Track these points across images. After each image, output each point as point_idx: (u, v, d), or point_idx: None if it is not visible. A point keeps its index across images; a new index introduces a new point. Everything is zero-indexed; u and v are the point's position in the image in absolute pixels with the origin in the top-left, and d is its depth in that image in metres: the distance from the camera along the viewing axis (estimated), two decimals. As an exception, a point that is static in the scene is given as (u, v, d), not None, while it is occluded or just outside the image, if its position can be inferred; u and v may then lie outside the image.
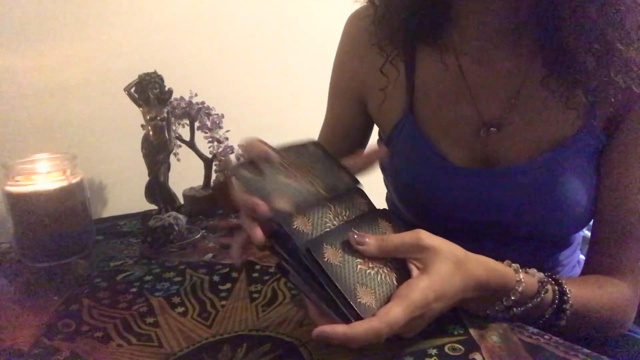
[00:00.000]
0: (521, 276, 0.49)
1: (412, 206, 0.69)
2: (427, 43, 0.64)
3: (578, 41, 0.52)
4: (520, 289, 0.48)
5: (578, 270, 0.73)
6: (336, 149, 0.74)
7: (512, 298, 0.48)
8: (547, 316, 0.51)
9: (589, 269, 0.61)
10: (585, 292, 0.54)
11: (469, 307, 0.50)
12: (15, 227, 0.70)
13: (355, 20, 0.72)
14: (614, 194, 0.59)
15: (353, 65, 0.72)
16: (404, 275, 0.45)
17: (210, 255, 0.73)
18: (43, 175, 0.71)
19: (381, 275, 0.44)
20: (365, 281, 0.43)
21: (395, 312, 0.40)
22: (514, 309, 0.49)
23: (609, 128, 0.59)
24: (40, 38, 0.93)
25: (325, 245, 0.43)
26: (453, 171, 0.63)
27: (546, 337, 0.48)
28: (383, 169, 0.74)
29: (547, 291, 0.50)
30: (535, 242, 0.65)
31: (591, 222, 0.63)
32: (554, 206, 0.59)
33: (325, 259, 0.42)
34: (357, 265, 0.43)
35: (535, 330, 0.49)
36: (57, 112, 0.96)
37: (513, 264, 0.50)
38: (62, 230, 0.70)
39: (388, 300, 0.42)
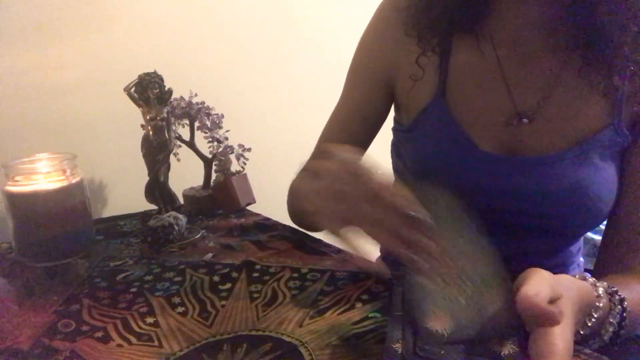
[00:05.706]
0: (600, 289, 0.46)
1: None
2: (466, 31, 0.64)
3: (614, 20, 0.52)
4: (601, 304, 0.45)
5: (577, 271, 0.73)
6: (350, 133, 0.73)
7: (595, 315, 0.45)
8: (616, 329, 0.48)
9: (604, 266, 0.61)
10: (631, 294, 0.50)
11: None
12: (15, 227, 0.70)
13: (391, 1, 0.70)
14: (635, 193, 0.59)
15: (385, 47, 0.70)
16: None
17: (210, 255, 0.73)
18: (43, 175, 0.71)
19: None
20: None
21: None
22: (606, 334, 0.47)
23: (634, 127, 0.59)
24: (40, 38, 0.93)
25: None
26: (480, 156, 0.62)
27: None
28: (399, 156, 0.74)
29: (615, 303, 0.47)
30: (549, 237, 0.65)
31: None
32: (576, 199, 0.59)
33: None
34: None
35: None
36: (57, 112, 0.96)
37: (589, 279, 0.47)
38: (62, 230, 0.70)
39: None
